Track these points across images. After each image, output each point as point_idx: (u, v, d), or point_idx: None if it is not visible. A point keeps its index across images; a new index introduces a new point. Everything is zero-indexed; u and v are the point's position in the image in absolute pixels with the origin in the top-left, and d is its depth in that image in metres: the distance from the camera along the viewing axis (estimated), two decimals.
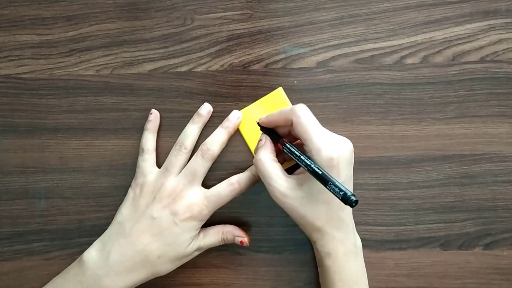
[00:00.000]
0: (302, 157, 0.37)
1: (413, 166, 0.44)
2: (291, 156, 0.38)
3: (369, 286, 0.40)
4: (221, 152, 0.43)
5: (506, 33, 0.44)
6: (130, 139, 0.45)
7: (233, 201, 0.42)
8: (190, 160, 0.42)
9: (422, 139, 0.44)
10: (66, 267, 0.41)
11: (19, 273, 0.45)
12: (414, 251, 0.44)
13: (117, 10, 0.45)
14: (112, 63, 0.45)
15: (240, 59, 0.45)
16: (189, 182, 0.41)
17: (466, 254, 0.44)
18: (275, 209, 0.44)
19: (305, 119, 0.37)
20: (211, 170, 0.43)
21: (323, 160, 0.35)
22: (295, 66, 0.44)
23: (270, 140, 0.40)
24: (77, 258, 0.41)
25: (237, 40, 0.45)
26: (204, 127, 0.44)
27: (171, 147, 0.43)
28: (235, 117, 0.43)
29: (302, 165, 0.36)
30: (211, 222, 0.43)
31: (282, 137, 0.40)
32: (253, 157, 0.44)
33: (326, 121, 0.44)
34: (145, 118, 0.44)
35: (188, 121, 0.44)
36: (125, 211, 0.41)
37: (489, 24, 0.44)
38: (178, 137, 0.43)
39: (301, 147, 0.38)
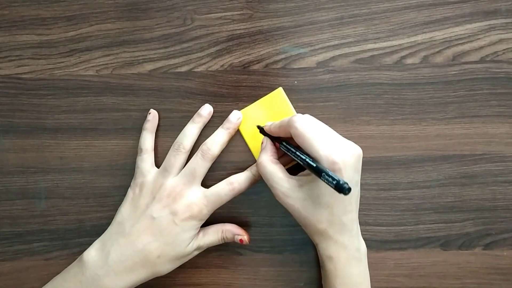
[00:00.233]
0: (297, 153, 0.37)
1: (413, 166, 0.44)
2: (288, 153, 0.38)
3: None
4: (221, 152, 0.43)
5: (506, 33, 0.44)
6: (130, 139, 0.45)
7: (233, 201, 0.42)
8: (190, 160, 0.42)
9: (422, 139, 0.44)
10: (66, 267, 0.41)
11: (19, 273, 0.45)
12: (414, 251, 0.44)
13: (117, 10, 0.45)
14: (112, 63, 0.45)
15: (240, 59, 0.45)
16: (189, 182, 0.41)
17: (466, 254, 0.44)
18: (275, 209, 0.44)
19: (302, 131, 0.37)
20: (211, 170, 0.43)
21: (326, 165, 0.35)
22: (295, 66, 0.44)
23: (271, 142, 0.41)
24: (77, 258, 0.41)
25: (237, 40, 0.45)
26: (204, 127, 0.44)
27: None
28: (235, 118, 0.43)
29: (298, 161, 0.37)
30: (211, 222, 0.43)
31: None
32: (253, 157, 0.44)
33: (326, 121, 0.43)
34: (145, 118, 0.44)
35: (188, 121, 0.44)
36: (124, 211, 0.42)
37: (489, 24, 0.44)
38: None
39: None
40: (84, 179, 0.45)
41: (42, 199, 0.45)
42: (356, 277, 0.39)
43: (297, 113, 0.44)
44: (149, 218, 0.40)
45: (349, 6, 0.44)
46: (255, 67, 0.45)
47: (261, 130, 0.43)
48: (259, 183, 0.42)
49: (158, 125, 0.45)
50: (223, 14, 0.45)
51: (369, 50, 0.44)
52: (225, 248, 0.45)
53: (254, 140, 0.44)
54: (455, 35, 0.44)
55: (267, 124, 0.42)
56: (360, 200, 0.40)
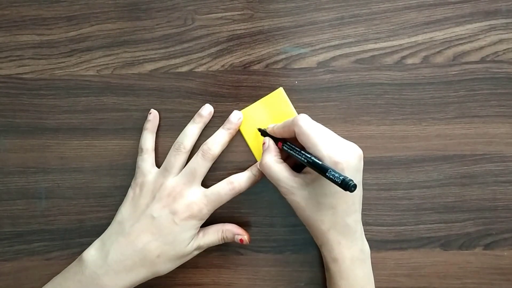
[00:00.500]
0: (302, 152, 0.37)
1: (413, 166, 0.44)
2: (292, 153, 0.39)
3: None
4: (221, 152, 0.43)
5: (507, 33, 0.44)
6: (131, 139, 0.45)
7: (233, 201, 0.42)
8: (191, 160, 0.42)
9: (422, 139, 0.44)
10: (67, 267, 0.41)
11: (20, 273, 0.45)
12: (414, 251, 0.44)
13: (118, 10, 0.45)
14: (112, 63, 0.45)
15: (241, 59, 0.45)
16: (189, 181, 0.41)
17: (467, 254, 0.44)
18: (276, 209, 0.44)
19: (307, 129, 0.37)
20: (211, 170, 0.43)
21: (329, 165, 0.35)
22: (295, 66, 0.44)
23: (273, 142, 0.41)
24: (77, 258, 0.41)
25: (238, 40, 0.45)
26: (205, 127, 0.44)
27: None
28: (236, 118, 0.43)
29: (302, 159, 0.37)
30: (211, 222, 0.43)
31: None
32: (254, 157, 0.44)
33: (326, 121, 0.44)
34: (146, 118, 0.44)
35: (189, 121, 0.44)
36: (125, 210, 0.42)
37: (489, 24, 0.44)
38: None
39: None
40: (85, 179, 0.45)
41: (42, 199, 0.45)
42: (361, 279, 0.39)
43: (298, 113, 0.44)
44: (149, 217, 0.40)
45: (349, 6, 0.44)
46: (256, 67, 0.45)
47: (263, 132, 0.43)
48: (260, 183, 0.42)
49: (159, 125, 0.45)
50: (224, 14, 0.45)
51: (369, 50, 0.44)
52: (225, 248, 0.45)
53: (255, 140, 0.44)
54: (456, 35, 0.44)
55: (269, 126, 0.42)
56: None
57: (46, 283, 0.41)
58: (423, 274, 0.44)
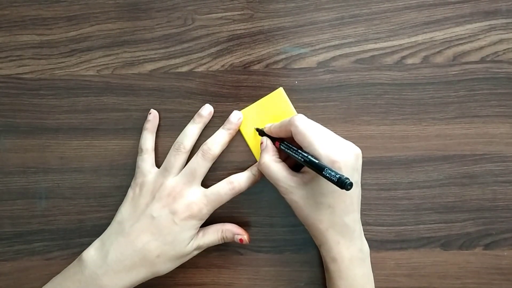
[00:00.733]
0: (298, 151, 0.37)
1: (413, 166, 0.44)
2: (289, 152, 0.39)
3: None
4: (221, 152, 0.43)
5: (507, 33, 0.44)
6: (131, 139, 0.45)
7: (233, 201, 0.42)
8: (191, 159, 0.42)
9: (422, 139, 0.44)
10: (67, 267, 0.41)
11: (20, 273, 0.45)
12: (414, 251, 0.44)
13: (118, 10, 0.45)
14: (113, 63, 0.45)
15: (241, 59, 0.45)
16: (189, 181, 0.41)
17: (467, 254, 0.44)
18: (276, 209, 0.44)
19: (303, 129, 0.37)
20: (211, 170, 0.43)
21: (326, 164, 0.35)
22: (295, 66, 0.44)
23: (271, 141, 0.41)
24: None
25: (238, 40, 0.45)
26: (205, 127, 0.44)
27: None
28: (236, 118, 0.43)
29: (300, 158, 0.37)
30: (211, 222, 0.43)
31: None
32: (254, 157, 0.44)
33: (326, 121, 0.44)
34: (146, 118, 0.44)
35: (189, 121, 0.44)
36: (124, 210, 0.42)
37: (489, 24, 0.44)
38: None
39: None
40: (85, 179, 0.45)
41: (42, 199, 0.45)
42: (361, 278, 0.39)
43: (297, 113, 0.44)
44: (148, 217, 0.40)
45: (349, 6, 0.44)
46: (256, 67, 0.45)
47: (260, 132, 0.43)
48: (260, 183, 0.42)
49: (159, 125, 0.45)
50: (224, 14, 0.45)
51: (369, 50, 0.44)
52: (225, 248, 0.45)
53: (255, 140, 0.44)
54: (456, 35, 0.44)
55: (267, 125, 0.42)
56: (360, 200, 0.40)
57: (46, 283, 0.41)
58: (423, 274, 0.44)
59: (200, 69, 0.45)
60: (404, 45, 0.44)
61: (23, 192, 0.45)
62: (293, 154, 0.38)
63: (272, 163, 0.40)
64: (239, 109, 0.44)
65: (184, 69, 0.45)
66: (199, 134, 0.44)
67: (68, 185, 0.45)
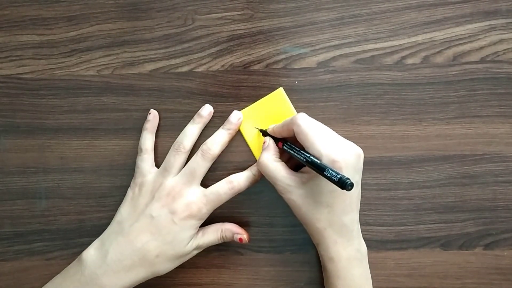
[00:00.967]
0: (301, 151, 0.37)
1: (413, 166, 0.44)
2: (291, 152, 0.39)
3: None
4: (221, 152, 0.43)
5: (507, 33, 0.44)
6: (131, 139, 0.45)
7: (233, 201, 0.42)
8: (190, 159, 0.42)
9: (422, 139, 0.44)
10: (67, 267, 0.41)
11: (20, 273, 0.45)
12: (414, 251, 0.44)
13: (118, 11, 0.45)
14: (113, 63, 0.45)
15: (241, 59, 0.45)
16: (188, 181, 0.41)
17: (467, 254, 0.44)
18: (276, 209, 0.44)
19: (305, 128, 0.37)
20: (211, 170, 0.43)
21: (327, 164, 0.35)
22: (295, 66, 0.44)
23: (274, 142, 0.41)
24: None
25: (238, 40, 0.45)
26: (205, 127, 0.44)
27: None
28: (235, 118, 0.43)
29: (301, 158, 0.37)
30: (211, 222, 0.43)
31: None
32: (254, 157, 0.44)
33: (326, 121, 0.44)
34: (146, 118, 0.44)
35: (189, 121, 0.44)
36: (124, 210, 0.42)
37: (489, 24, 0.44)
38: None
39: None
40: (85, 179, 0.45)
41: (42, 199, 0.45)
42: (358, 278, 0.39)
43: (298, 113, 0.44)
44: (148, 217, 0.40)
45: (349, 6, 0.44)
46: (256, 67, 0.45)
47: (264, 132, 0.43)
48: (260, 183, 0.42)
49: (159, 125, 0.45)
50: (224, 14, 0.45)
51: (369, 50, 0.44)
52: (225, 248, 0.45)
53: (255, 140, 0.44)
54: (456, 35, 0.44)
55: (270, 126, 0.42)
56: (360, 200, 0.40)
57: (46, 283, 0.41)
58: (423, 274, 0.44)
59: (200, 69, 0.45)
60: (404, 45, 0.44)
61: (23, 192, 0.45)
62: (295, 154, 0.38)
63: (270, 161, 0.40)
64: (239, 109, 0.44)
65: (184, 69, 0.45)
66: (199, 134, 0.44)
67: (68, 185, 0.45)
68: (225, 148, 0.43)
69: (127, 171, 0.45)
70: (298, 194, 0.38)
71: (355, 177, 0.38)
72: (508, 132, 0.44)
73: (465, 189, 0.44)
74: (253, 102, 0.44)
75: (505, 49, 0.44)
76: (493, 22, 0.44)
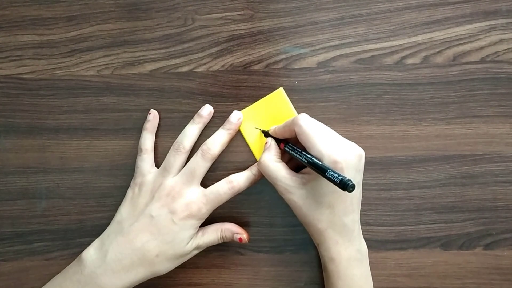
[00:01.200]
0: (303, 152, 0.37)
1: (413, 166, 0.44)
2: (293, 153, 0.39)
3: None
4: (221, 152, 0.43)
5: (507, 33, 0.44)
6: (131, 139, 0.45)
7: (233, 201, 0.42)
8: (190, 159, 0.42)
9: (422, 139, 0.44)
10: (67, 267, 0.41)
11: (20, 273, 0.45)
12: (414, 251, 0.44)
13: (118, 11, 0.45)
14: (113, 63, 0.45)
15: (241, 59, 0.45)
16: (188, 181, 0.41)
17: (467, 254, 0.44)
18: (276, 209, 0.44)
19: (306, 128, 0.38)
20: (211, 170, 0.43)
21: (328, 164, 0.35)
22: (295, 67, 0.44)
23: (275, 143, 0.41)
24: None
25: (238, 40, 0.45)
26: (205, 127, 0.44)
27: None
28: (235, 118, 0.43)
29: (303, 159, 0.37)
30: (211, 222, 0.43)
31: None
32: (254, 157, 0.44)
33: (326, 122, 0.44)
34: (146, 119, 0.44)
35: (189, 121, 0.44)
36: (124, 210, 0.42)
37: (489, 25, 0.44)
38: None
39: None
40: (85, 179, 0.45)
41: (43, 199, 0.45)
42: (359, 279, 0.39)
43: (298, 113, 0.44)
44: (147, 217, 0.40)
45: (349, 6, 0.44)
46: (256, 67, 0.45)
47: (265, 133, 0.43)
48: (260, 183, 0.42)
49: (159, 125, 0.45)
50: (224, 14, 0.45)
51: (369, 50, 0.44)
52: (225, 248, 0.45)
53: (255, 141, 0.44)
54: (456, 35, 0.44)
55: (272, 127, 0.42)
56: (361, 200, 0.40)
57: (46, 283, 0.41)
58: (423, 274, 0.44)
59: (200, 69, 0.45)
60: (404, 45, 0.44)
61: (23, 192, 0.45)
62: (297, 155, 0.38)
63: (271, 162, 0.40)
64: (239, 109, 0.44)
65: (184, 69, 0.45)
66: (198, 134, 0.44)
67: (68, 185, 0.45)
68: (225, 148, 0.43)
69: (127, 171, 0.45)
70: (299, 194, 0.38)
71: (356, 177, 0.38)
72: (508, 132, 0.44)
73: (465, 189, 0.44)
74: (253, 102, 0.44)
75: (505, 49, 0.44)
76: (493, 22, 0.44)
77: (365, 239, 0.40)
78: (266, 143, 0.42)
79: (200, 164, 0.41)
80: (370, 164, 0.44)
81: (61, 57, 0.45)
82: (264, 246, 0.45)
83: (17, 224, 0.45)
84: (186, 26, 0.45)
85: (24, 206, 0.45)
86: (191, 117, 0.44)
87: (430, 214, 0.44)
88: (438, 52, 0.44)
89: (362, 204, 0.40)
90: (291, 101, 0.44)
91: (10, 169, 0.45)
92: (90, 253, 0.40)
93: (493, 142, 0.44)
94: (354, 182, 0.32)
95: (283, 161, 0.41)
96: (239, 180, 0.41)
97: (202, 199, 0.41)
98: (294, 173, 0.39)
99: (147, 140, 0.44)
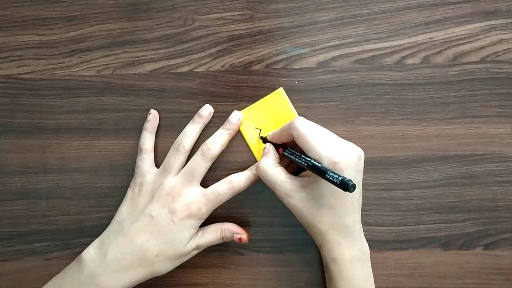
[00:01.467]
0: (302, 156, 0.37)
1: (413, 166, 0.44)
2: (292, 157, 0.39)
3: None
4: (221, 152, 0.43)
5: (507, 33, 0.44)
6: (131, 139, 0.45)
7: (233, 201, 0.42)
8: (190, 159, 0.42)
9: (422, 140, 0.44)
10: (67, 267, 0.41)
11: (20, 273, 0.45)
12: (414, 251, 0.44)
13: (118, 11, 0.45)
14: (113, 63, 0.45)
15: (241, 59, 0.45)
16: (188, 181, 0.41)
17: (467, 254, 0.44)
18: (276, 209, 0.44)
19: (303, 131, 0.37)
20: (211, 170, 0.43)
21: (328, 166, 0.35)
22: (295, 67, 0.44)
23: (274, 148, 0.41)
24: None
25: (238, 40, 0.45)
26: (205, 127, 0.44)
27: None
28: (235, 118, 0.43)
29: (302, 162, 0.37)
30: (211, 222, 0.43)
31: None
32: (254, 157, 0.44)
33: (326, 122, 0.44)
34: (146, 119, 0.44)
35: (189, 121, 0.44)
36: (124, 210, 0.42)
37: (489, 25, 0.44)
38: None
39: None
40: (85, 179, 0.45)
41: (43, 199, 0.45)
42: (361, 279, 0.39)
43: (298, 113, 0.44)
44: (147, 217, 0.40)
45: (349, 6, 0.44)
46: (256, 67, 0.45)
47: (264, 139, 0.43)
48: (260, 183, 0.42)
49: (159, 125, 0.45)
50: (224, 14, 0.45)
51: (369, 50, 0.44)
52: (225, 248, 0.45)
53: (255, 140, 0.44)
54: (456, 35, 0.44)
55: (269, 133, 0.42)
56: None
57: (46, 283, 0.41)
58: (423, 274, 0.44)
59: (200, 69, 0.45)
60: (404, 45, 0.44)
61: (23, 192, 0.45)
62: (296, 159, 0.38)
63: (269, 167, 0.40)
64: (239, 109, 0.44)
65: (184, 69, 0.45)
66: (198, 134, 0.44)
67: (68, 185, 0.45)
68: (225, 148, 0.43)
69: (127, 171, 0.45)
70: (299, 198, 0.38)
71: (356, 177, 0.38)
72: (508, 132, 0.44)
73: (465, 189, 0.44)
74: (253, 102, 0.44)
75: (505, 49, 0.44)
76: (493, 22, 0.44)
77: (365, 239, 0.40)
78: (264, 148, 0.42)
79: (200, 164, 0.41)
80: (370, 164, 0.44)
81: (61, 57, 0.45)
82: (264, 246, 0.45)
83: (17, 224, 0.45)
84: (186, 26, 0.45)
85: (24, 206, 0.45)
86: (191, 117, 0.44)
87: (430, 214, 0.44)
88: (438, 52, 0.44)
89: (362, 204, 0.40)
90: (291, 101, 0.44)
91: (10, 169, 0.45)
92: (90, 253, 0.40)
93: (493, 142, 0.44)
94: (354, 182, 0.32)
95: (282, 166, 0.41)
96: (239, 180, 0.41)
97: (202, 199, 0.41)
98: (293, 176, 0.39)
99: (147, 140, 0.44)
